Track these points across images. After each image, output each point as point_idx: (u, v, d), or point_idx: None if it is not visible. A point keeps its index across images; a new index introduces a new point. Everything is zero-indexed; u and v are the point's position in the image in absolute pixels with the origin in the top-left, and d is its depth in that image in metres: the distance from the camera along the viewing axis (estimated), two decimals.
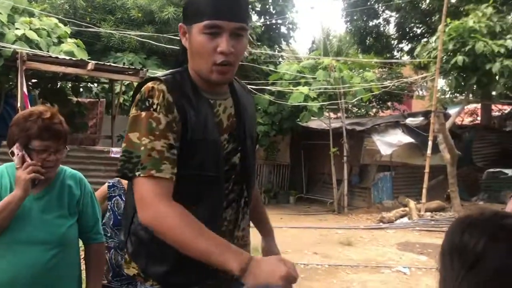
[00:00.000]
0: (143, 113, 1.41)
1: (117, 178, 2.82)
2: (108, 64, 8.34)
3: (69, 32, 9.22)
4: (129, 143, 1.41)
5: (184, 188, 1.47)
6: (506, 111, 17.74)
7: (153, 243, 1.47)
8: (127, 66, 9.01)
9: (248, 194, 1.66)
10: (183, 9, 1.53)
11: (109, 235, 2.65)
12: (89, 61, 7.56)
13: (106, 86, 10.39)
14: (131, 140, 1.41)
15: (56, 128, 1.91)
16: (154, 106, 1.42)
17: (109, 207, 2.70)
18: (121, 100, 9.84)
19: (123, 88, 9.69)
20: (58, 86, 10.19)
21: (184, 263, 1.43)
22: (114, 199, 2.72)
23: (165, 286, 1.54)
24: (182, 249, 1.35)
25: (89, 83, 10.58)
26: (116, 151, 7.56)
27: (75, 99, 10.15)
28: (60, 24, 9.04)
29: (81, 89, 10.63)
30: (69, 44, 8.41)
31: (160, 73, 1.57)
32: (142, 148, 1.38)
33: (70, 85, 10.40)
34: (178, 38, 7.65)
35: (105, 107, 10.45)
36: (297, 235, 8.33)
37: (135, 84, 8.98)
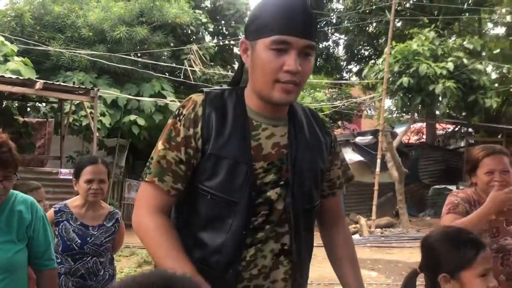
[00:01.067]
0: (170, 120, 1.43)
1: (64, 202, 2.78)
2: (58, 83, 8.15)
3: (16, 50, 8.97)
4: (155, 149, 1.43)
5: (203, 207, 1.42)
6: (449, 130, 18.58)
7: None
8: (77, 86, 8.84)
9: (292, 242, 1.44)
10: (246, 24, 1.43)
11: (59, 261, 2.58)
12: (37, 80, 7.37)
13: (55, 105, 10.12)
14: (157, 146, 1.43)
15: (3, 157, 1.86)
16: (180, 116, 1.41)
17: (56, 233, 2.63)
18: (70, 120, 9.60)
19: (73, 108, 9.48)
20: (3, 106, 9.85)
21: None
22: (61, 224, 2.66)
23: None
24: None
25: (37, 103, 10.27)
26: (65, 172, 7.36)
27: (21, 119, 9.83)
28: (7, 42, 8.79)
29: (28, 109, 10.31)
30: (16, 63, 8.18)
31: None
32: (157, 153, 1.41)
33: (16, 104, 10.07)
34: (129, 57, 7.58)
35: (54, 127, 10.17)
36: None
37: (86, 103, 8.86)
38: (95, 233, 2.70)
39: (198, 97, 1.43)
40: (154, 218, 1.39)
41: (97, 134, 8.61)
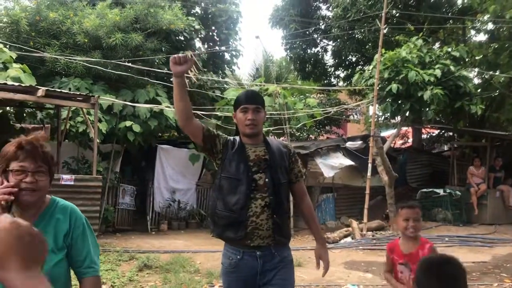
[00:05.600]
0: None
1: None
2: (59, 90, 8.22)
3: (14, 57, 9.02)
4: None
5: (226, 184, 2.88)
6: (434, 134, 18.99)
7: (214, 217, 2.94)
8: (77, 93, 8.90)
9: (271, 202, 2.86)
10: (233, 105, 3.06)
11: None
12: (39, 87, 7.44)
13: (51, 111, 10.16)
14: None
15: (31, 148, 1.89)
16: (221, 134, 3.03)
17: None
18: (67, 126, 9.66)
19: (70, 114, 9.54)
20: (0, 112, 9.87)
21: (228, 227, 2.86)
22: None
23: (223, 239, 2.96)
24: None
25: (34, 109, 10.29)
26: (66, 178, 7.45)
27: (18, 125, 9.85)
28: (5, 49, 8.82)
29: (25, 115, 10.31)
30: (16, 70, 8.23)
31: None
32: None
33: (13, 110, 10.08)
34: (124, 63, 8.65)
35: (50, 133, 10.21)
36: None
37: (85, 110, 8.95)
38: None
39: (227, 137, 3.01)
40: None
41: (98, 140, 8.69)
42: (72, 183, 7.44)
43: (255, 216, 2.84)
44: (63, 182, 7.35)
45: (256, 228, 2.84)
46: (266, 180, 2.87)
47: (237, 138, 3.01)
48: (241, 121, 2.92)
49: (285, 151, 3.04)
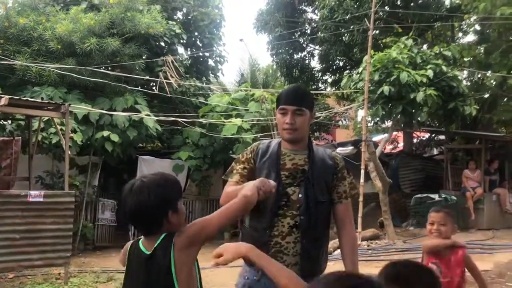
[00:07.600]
0: (242, 153, 2.65)
1: None
2: (25, 99, 7.57)
3: None
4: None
5: None
6: (424, 138, 18.59)
7: (241, 233, 2.58)
8: (46, 101, 8.27)
9: (302, 223, 2.40)
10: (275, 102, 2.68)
11: None
12: (2, 95, 6.79)
13: (22, 123, 9.49)
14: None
15: None
16: (247, 150, 2.63)
17: None
18: (39, 138, 8.99)
19: (42, 125, 8.88)
20: None
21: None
22: None
23: (244, 260, 2.35)
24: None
25: (2, 120, 9.60)
26: (35, 195, 6.78)
27: None
28: None
29: None
30: None
31: None
32: (231, 166, 2.64)
33: None
34: (101, 70, 7.89)
35: (21, 146, 9.51)
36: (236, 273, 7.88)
37: (56, 120, 8.29)
38: None
39: (257, 144, 2.65)
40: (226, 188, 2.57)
41: (69, 152, 8.05)
42: (41, 199, 6.76)
43: (280, 237, 2.41)
44: (31, 199, 6.67)
45: (280, 252, 2.40)
46: (300, 195, 2.42)
47: (276, 141, 2.61)
48: (280, 124, 2.50)
49: (331, 164, 2.55)
